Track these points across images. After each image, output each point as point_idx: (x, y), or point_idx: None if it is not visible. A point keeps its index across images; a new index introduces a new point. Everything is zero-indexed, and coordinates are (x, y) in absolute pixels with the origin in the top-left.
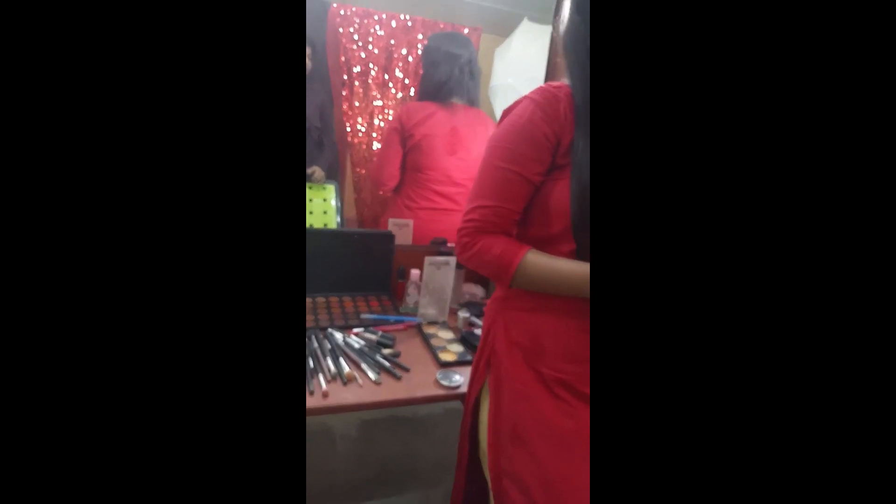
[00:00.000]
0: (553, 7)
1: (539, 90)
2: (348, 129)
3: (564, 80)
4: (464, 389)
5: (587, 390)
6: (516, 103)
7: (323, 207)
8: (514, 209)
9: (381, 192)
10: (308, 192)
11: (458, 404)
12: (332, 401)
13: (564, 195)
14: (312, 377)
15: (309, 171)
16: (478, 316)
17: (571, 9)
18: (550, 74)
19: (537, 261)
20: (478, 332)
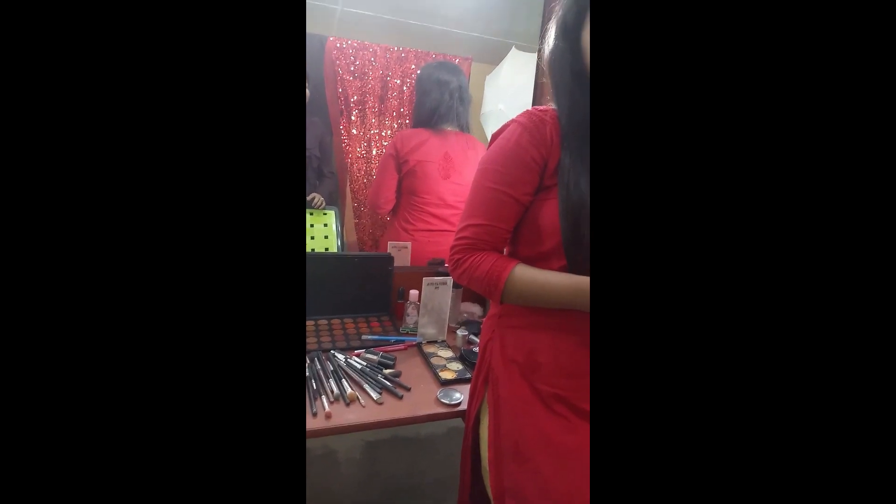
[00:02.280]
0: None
1: (525, 114)
2: (347, 157)
3: (550, 103)
4: (464, 406)
5: (585, 406)
6: (504, 126)
7: (324, 232)
8: (504, 228)
9: (380, 214)
10: (309, 217)
11: (460, 424)
12: (336, 422)
13: (553, 214)
14: (315, 399)
15: (309, 197)
16: (476, 334)
17: (556, 34)
18: (538, 96)
19: (525, 274)
20: (476, 349)
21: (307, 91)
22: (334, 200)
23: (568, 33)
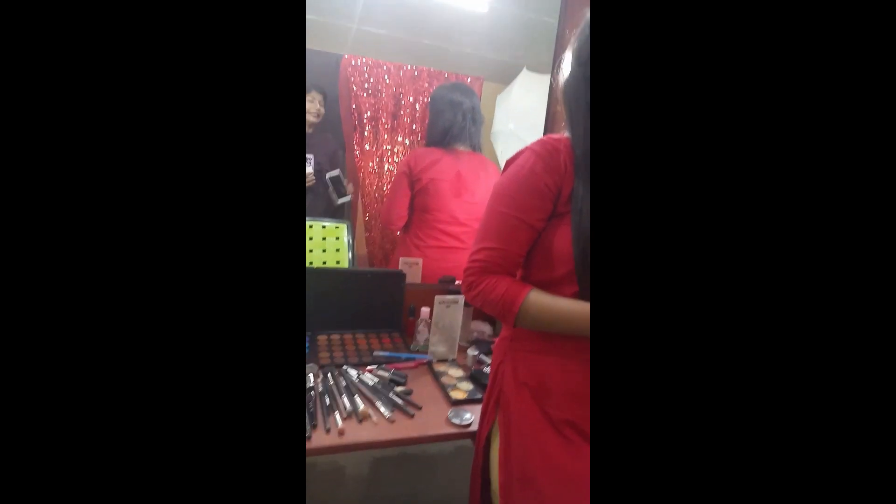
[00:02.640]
0: (549, 59)
1: (540, 142)
2: (360, 172)
3: (564, 130)
4: (474, 428)
5: None
6: (519, 153)
7: (336, 245)
8: (517, 252)
9: (391, 230)
10: (322, 230)
11: (467, 442)
12: (348, 439)
13: (566, 240)
14: (329, 415)
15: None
16: (486, 353)
17: (572, 62)
18: (550, 123)
19: (539, 300)
20: (487, 369)
21: (322, 109)
22: (346, 214)
23: (584, 64)
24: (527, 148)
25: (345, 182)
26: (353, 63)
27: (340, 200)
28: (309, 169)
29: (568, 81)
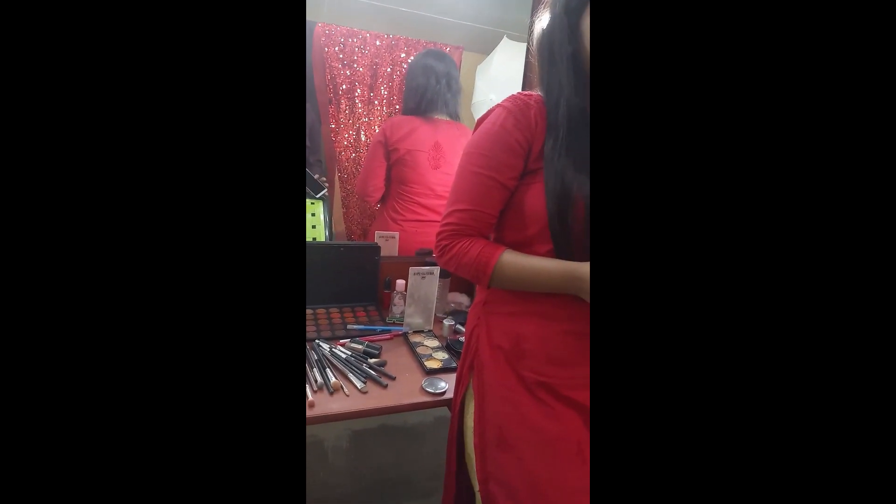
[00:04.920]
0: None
1: (510, 98)
2: (336, 146)
3: (537, 88)
4: (449, 395)
5: (569, 393)
6: (489, 111)
7: (311, 222)
8: (490, 213)
9: (368, 202)
10: None
11: (447, 413)
12: (318, 411)
13: (539, 198)
14: None
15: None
16: (462, 324)
17: (558, 16)
18: (527, 81)
19: (513, 259)
20: (462, 339)
21: None
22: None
23: (571, 15)
24: (498, 105)
25: (315, 177)
26: (328, 32)
27: (318, 195)
28: None
29: (544, 32)
